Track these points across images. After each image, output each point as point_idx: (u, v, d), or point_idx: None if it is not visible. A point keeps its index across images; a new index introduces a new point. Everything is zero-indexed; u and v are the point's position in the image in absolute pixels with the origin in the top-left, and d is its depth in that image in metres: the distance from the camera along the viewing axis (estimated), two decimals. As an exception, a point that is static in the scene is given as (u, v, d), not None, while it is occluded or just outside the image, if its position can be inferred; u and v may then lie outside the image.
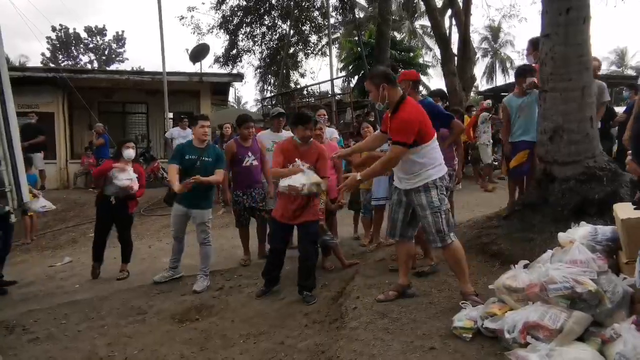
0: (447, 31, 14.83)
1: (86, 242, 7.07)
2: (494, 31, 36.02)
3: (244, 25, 18.60)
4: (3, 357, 3.06)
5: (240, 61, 19.74)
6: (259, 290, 4.19)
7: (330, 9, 17.30)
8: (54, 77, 11.24)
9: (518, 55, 36.72)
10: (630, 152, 2.93)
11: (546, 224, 3.65)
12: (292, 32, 18.08)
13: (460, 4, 12.75)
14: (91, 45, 38.63)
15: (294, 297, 4.00)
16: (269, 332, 3.47)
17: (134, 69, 24.56)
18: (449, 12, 14.61)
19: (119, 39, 39.07)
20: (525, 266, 2.72)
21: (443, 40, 13.12)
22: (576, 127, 3.74)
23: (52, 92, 11.63)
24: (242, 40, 19.16)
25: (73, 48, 38.02)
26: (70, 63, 35.67)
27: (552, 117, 3.82)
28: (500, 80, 37.44)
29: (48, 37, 35.65)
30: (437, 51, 19.43)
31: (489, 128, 8.73)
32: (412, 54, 20.32)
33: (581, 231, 2.73)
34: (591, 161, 3.72)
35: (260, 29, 19.01)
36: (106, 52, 38.85)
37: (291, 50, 19.33)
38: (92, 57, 38.44)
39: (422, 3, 17.30)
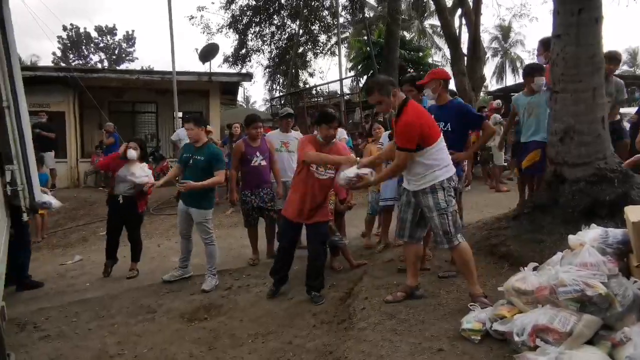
0: (457, 31, 14.71)
1: (96, 240, 7.15)
2: (505, 31, 35.73)
3: (254, 24, 18.66)
4: (15, 354, 3.10)
5: (250, 61, 19.84)
6: (269, 290, 4.19)
7: (340, 8, 17.30)
8: (65, 77, 11.37)
9: (528, 55, 36.35)
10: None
11: (556, 225, 3.62)
12: (301, 31, 18.11)
13: (471, 4, 12.65)
14: (101, 45, 38.94)
15: (303, 297, 4.01)
16: (277, 331, 3.48)
17: (144, 68, 24.75)
18: (459, 11, 14.50)
19: (129, 39, 39.36)
20: (535, 268, 2.70)
21: (453, 40, 13.04)
22: (587, 129, 3.70)
23: (63, 91, 11.78)
24: (251, 40, 19.25)
25: (84, 47, 38.35)
26: (80, 62, 36.03)
27: (563, 118, 3.79)
28: (510, 80, 37.16)
29: (59, 37, 36.05)
30: (447, 51, 19.35)
31: (501, 130, 8.67)
32: (421, 54, 20.22)
33: (591, 233, 2.71)
34: (602, 162, 3.68)
35: (269, 29, 19.07)
36: (116, 52, 39.15)
37: (300, 50, 19.36)
38: (103, 56, 38.78)
39: (431, 2, 17.22)
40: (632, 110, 7.09)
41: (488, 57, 33.04)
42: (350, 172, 3.38)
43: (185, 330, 3.69)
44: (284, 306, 3.94)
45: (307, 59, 20.80)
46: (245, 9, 18.15)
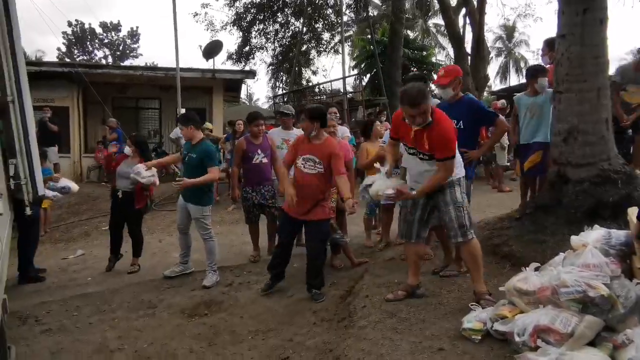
0: (461, 30, 14.67)
1: (98, 235, 7.18)
2: (509, 30, 35.54)
3: (257, 22, 18.69)
4: (16, 347, 3.12)
5: (253, 58, 19.87)
6: (265, 285, 4.19)
7: (344, 6, 17.26)
8: (70, 72, 11.40)
9: (533, 55, 36.17)
10: None
11: (559, 226, 3.61)
12: (305, 29, 18.09)
13: (475, 3, 12.62)
14: (106, 41, 39.00)
15: (303, 295, 4.01)
16: (278, 329, 3.48)
17: (148, 64, 24.76)
18: (463, 10, 14.45)
19: (134, 35, 39.40)
20: (537, 269, 2.69)
21: (457, 39, 13.02)
22: (591, 129, 3.69)
23: (68, 86, 11.81)
24: (255, 37, 19.27)
25: (88, 43, 38.43)
26: (85, 58, 36.09)
27: (567, 118, 3.77)
28: (514, 80, 36.97)
29: (64, 32, 36.16)
30: (451, 50, 19.33)
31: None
32: (425, 53, 20.20)
33: (594, 234, 2.70)
34: (606, 163, 3.66)
35: (273, 26, 19.09)
36: (120, 48, 39.20)
37: (304, 48, 19.35)
38: (107, 52, 38.83)
39: (435, 1, 17.17)
40: None
41: (492, 57, 32.92)
42: (384, 186, 3.13)
43: (186, 325, 3.70)
44: (284, 303, 3.94)
45: (311, 57, 20.79)
46: (249, 6, 18.18)
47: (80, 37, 37.79)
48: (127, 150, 5.14)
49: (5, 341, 2.70)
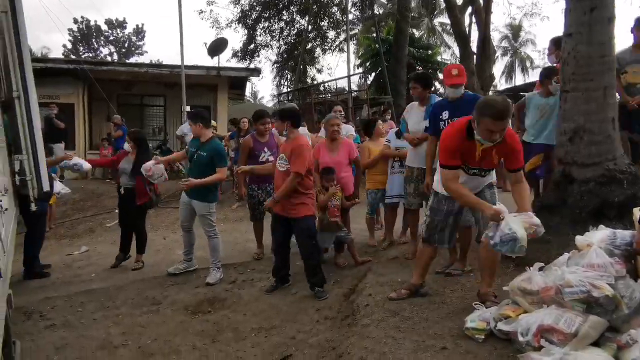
0: (467, 29, 14.61)
1: (103, 232, 7.21)
2: (515, 30, 35.35)
3: (263, 20, 18.69)
4: (20, 342, 3.14)
5: (258, 56, 19.90)
6: (270, 286, 4.24)
7: (349, 4, 17.24)
8: (75, 69, 11.46)
9: (539, 54, 35.98)
10: None
11: (564, 226, 3.58)
12: (310, 27, 18.08)
13: (481, 2, 12.54)
14: (111, 38, 39.15)
15: (306, 292, 4.02)
16: (281, 326, 3.49)
17: (153, 62, 24.84)
18: (469, 9, 14.39)
19: (139, 32, 39.51)
20: (541, 269, 2.68)
21: (462, 38, 12.95)
22: (597, 128, 3.66)
23: (73, 83, 11.86)
24: (260, 35, 19.29)
25: (94, 40, 38.59)
26: (90, 55, 36.23)
27: (573, 117, 3.75)
28: (519, 79, 36.79)
29: (70, 29, 36.33)
30: (456, 49, 19.22)
31: None
32: (430, 52, 20.10)
33: (599, 234, 2.68)
34: (611, 163, 3.63)
35: (278, 24, 19.09)
36: (126, 45, 39.34)
37: (309, 46, 19.35)
38: (112, 49, 38.97)
39: (441, 0, 17.10)
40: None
41: (498, 56, 32.79)
42: (524, 225, 2.64)
43: (189, 322, 3.72)
44: (288, 301, 3.95)
45: (316, 55, 20.79)
46: (254, 4, 18.18)
47: (85, 34, 37.95)
48: (127, 146, 5.18)
49: (10, 336, 2.71)
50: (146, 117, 14.28)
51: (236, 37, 73.54)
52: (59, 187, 5.99)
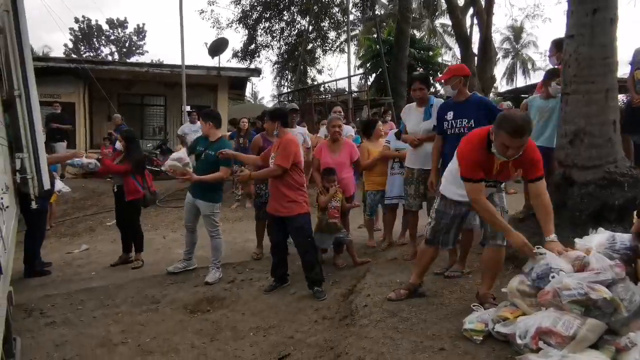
0: (468, 30, 14.62)
1: (103, 230, 7.22)
2: (516, 31, 35.32)
3: (263, 20, 18.69)
4: (21, 338, 3.15)
5: (259, 56, 19.90)
6: (268, 285, 4.26)
7: (350, 5, 17.24)
8: (76, 68, 11.46)
9: (540, 56, 35.97)
10: None
11: (563, 228, 3.58)
12: (310, 28, 18.09)
13: (483, 3, 12.56)
14: (112, 37, 39.18)
15: (305, 292, 4.02)
16: (279, 326, 3.50)
17: (154, 61, 24.86)
18: (471, 10, 14.40)
19: (140, 32, 39.54)
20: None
21: (464, 40, 12.97)
22: (598, 131, 3.66)
23: (74, 82, 11.87)
24: (260, 35, 19.29)
25: (95, 40, 38.62)
26: (91, 54, 36.27)
27: (574, 119, 3.74)
28: (520, 81, 36.75)
29: (71, 29, 36.36)
30: (457, 50, 19.24)
31: None
32: (431, 53, 20.15)
33: (598, 238, 2.67)
34: (612, 166, 3.63)
35: (279, 24, 19.10)
36: (127, 45, 39.36)
37: (309, 46, 19.36)
38: (113, 49, 39.01)
39: (443, 1, 17.11)
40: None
41: (499, 58, 32.77)
42: (567, 262, 2.52)
43: (188, 321, 3.72)
44: (286, 301, 3.96)
45: (316, 56, 20.79)
46: (255, 4, 18.19)
47: (86, 33, 37.98)
48: (119, 145, 5.21)
49: (10, 333, 2.72)
50: (146, 117, 14.28)
51: (237, 37, 73.66)
52: (59, 185, 6.01)
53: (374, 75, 19.37)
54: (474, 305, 2.87)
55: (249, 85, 21.06)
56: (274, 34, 19.25)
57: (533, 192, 2.81)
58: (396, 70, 15.17)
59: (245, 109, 15.98)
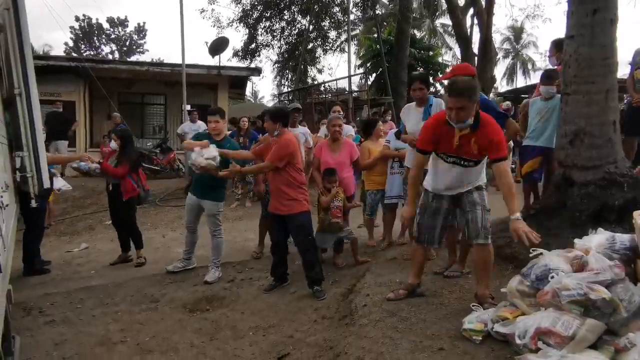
0: (469, 30, 14.62)
1: (102, 229, 7.21)
2: (517, 32, 35.31)
3: (264, 19, 18.69)
4: (20, 337, 3.14)
5: (259, 55, 19.88)
6: (268, 285, 4.25)
7: (351, 5, 17.24)
8: (76, 67, 11.45)
9: (540, 57, 35.95)
10: None
11: (563, 228, 3.59)
12: (311, 27, 18.08)
13: (483, 3, 12.55)
14: (113, 36, 39.14)
15: (305, 292, 4.02)
16: (279, 325, 3.50)
17: (154, 60, 24.83)
18: (471, 10, 14.39)
19: (140, 31, 39.50)
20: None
21: (464, 40, 12.98)
22: (598, 131, 3.66)
23: (74, 81, 11.87)
24: (261, 35, 19.28)
25: (95, 38, 38.59)
26: (92, 53, 36.23)
27: (574, 120, 3.75)
28: (520, 82, 36.75)
29: (71, 27, 36.33)
30: (457, 50, 19.25)
31: None
32: (431, 53, 20.15)
33: (598, 239, 2.68)
34: (612, 167, 3.64)
35: (279, 24, 19.09)
36: (127, 43, 39.33)
37: (310, 46, 19.35)
38: (114, 47, 38.97)
39: (443, 1, 17.10)
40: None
41: (499, 58, 32.77)
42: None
43: (188, 320, 3.72)
44: (286, 300, 3.96)
45: (317, 55, 20.77)
46: (255, 3, 18.18)
47: (87, 32, 37.95)
48: (114, 144, 5.20)
49: (9, 331, 2.72)
50: (147, 116, 14.28)
51: (237, 37, 73.43)
52: (60, 183, 5.98)
53: (374, 75, 19.36)
54: (473, 305, 2.87)
55: (249, 84, 21.08)
56: (275, 33, 19.25)
57: (496, 172, 2.90)
58: (396, 70, 15.17)
59: (246, 108, 15.95)
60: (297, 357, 2.97)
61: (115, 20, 38.68)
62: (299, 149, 4.38)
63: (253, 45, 19.43)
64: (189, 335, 3.44)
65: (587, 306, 2.27)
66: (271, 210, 4.18)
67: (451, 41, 24.99)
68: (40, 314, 3.86)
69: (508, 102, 9.80)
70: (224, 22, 18.83)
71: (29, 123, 3.56)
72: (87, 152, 12.20)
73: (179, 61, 11.42)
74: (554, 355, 2.13)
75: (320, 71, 21.86)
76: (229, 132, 10.06)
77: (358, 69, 21.80)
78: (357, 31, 23.02)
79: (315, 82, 19.76)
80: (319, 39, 19.61)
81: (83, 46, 37.74)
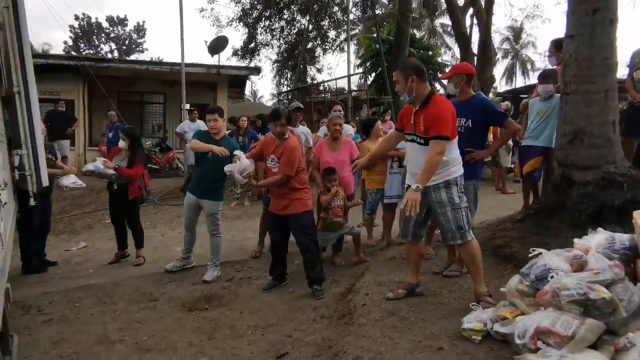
0: (468, 30, 14.62)
1: (101, 228, 7.21)
2: (516, 32, 35.34)
3: (263, 18, 18.68)
4: (18, 336, 3.14)
5: (258, 55, 19.90)
6: (267, 284, 4.24)
7: (350, 4, 17.24)
8: (76, 65, 11.43)
9: (540, 57, 36.01)
10: None
11: (562, 228, 3.58)
12: (310, 27, 18.08)
13: (482, 3, 12.54)
14: (112, 35, 39.09)
15: (304, 291, 4.02)
16: (277, 324, 3.49)
17: (153, 59, 24.82)
18: (470, 10, 14.39)
19: (140, 30, 39.46)
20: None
21: (463, 40, 12.96)
22: (598, 131, 3.66)
23: (74, 80, 11.85)
24: (260, 34, 19.29)
25: (95, 37, 38.53)
26: (91, 52, 36.18)
27: (574, 120, 3.74)
28: (520, 82, 36.79)
29: (71, 26, 36.28)
30: (457, 50, 19.25)
31: None
32: (431, 53, 20.13)
33: (597, 238, 2.67)
34: (612, 167, 3.63)
35: (279, 23, 19.09)
36: (126, 42, 39.28)
37: (309, 45, 19.36)
38: (113, 46, 38.92)
39: (443, 1, 17.11)
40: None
41: (498, 58, 32.78)
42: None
43: (186, 319, 3.71)
44: (285, 299, 3.95)
45: (316, 55, 20.79)
46: (255, 2, 18.18)
47: (86, 31, 37.89)
48: (122, 143, 5.16)
49: (7, 329, 2.71)
50: (146, 115, 14.25)
51: (237, 36, 73.47)
52: (69, 180, 5.94)
53: (373, 74, 19.33)
54: (472, 305, 2.87)
55: (248, 83, 21.07)
56: (274, 33, 19.26)
57: (429, 149, 2.99)
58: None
59: (245, 108, 15.97)
60: (296, 357, 2.96)
61: (115, 19, 38.64)
62: (300, 148, 4.38)
63: (252, 45, 19.45)
64: (188, 334, 3.44)
65: (586, 306, 2.26)
66: (272, 210, 4.17)
67: (450, 41, 25.03)
68: (39, 313, 3.85)
69: (507, 102, 9.80)
70: (223, 21, 18.88)
71: (28, 121, 3.56)
72: (86, 151, 12.22)
73: (179, 60, 11.40)
74: (553, 355, 2.13)
75: (319, 70, 21.90)
76: (228, 131, 10.08)
77: (357, 68, 21.80)
78: (357, 31, 23.01)
79: (315, 82, 19.77)
80: (319, 39, 19.63)
81: (82, 45, 37.69)
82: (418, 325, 2.84)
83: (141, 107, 14.14)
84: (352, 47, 21.32)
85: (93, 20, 37.81)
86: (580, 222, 3.46)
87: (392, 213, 5.01)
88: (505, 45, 38.19)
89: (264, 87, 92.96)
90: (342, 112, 6.44)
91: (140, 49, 39.52)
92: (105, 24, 38.29)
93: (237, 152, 4.33)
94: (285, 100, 15.16)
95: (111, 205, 5.37)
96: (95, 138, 12.83)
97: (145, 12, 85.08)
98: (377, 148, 3.77)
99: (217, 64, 13.69)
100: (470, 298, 3.13)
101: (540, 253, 2.68)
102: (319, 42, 19.87)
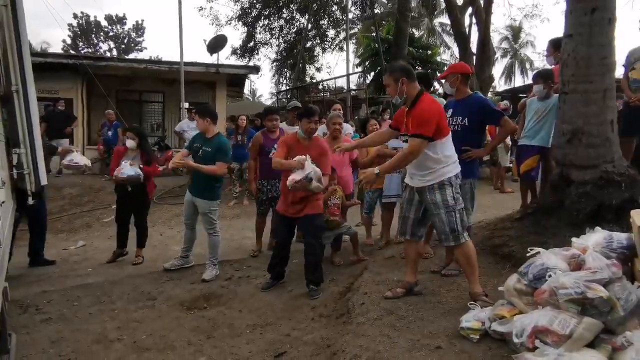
0: (467, 29, 14.61)
1: (100, 227, 7.20)
2: (515, 31, 35.38)
3: (262, 17, 18.67)
4: (16, 334, 3.13)
5: (257, 54, 19.90)
6: (265, 283, 4.23)
7: (349, 3, 17.24)
8: (74, 64, 11.41)
9: (538, 56, 36.07)
10: None
11: (560, 228, 3.59)
12: (310, 26, 18.07)
13: (481, 2, 12.54)
14: (111, 34, 39.00)
15: (302, 290, 4.02)
16: (276, 323, 3.49)
17: (152, 58, 24.79)
18: (469, 10, 14.39)
19: (139, 28, 39.37)
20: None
21: (462, 39, 12.95)
22: (596, 131, 3.66)
23: (72, 78, 11.82)
24: (259, 33, 19.29)
25: (93, 36, 38.44)
26: (90, 51, 36.10)
27: (572, 119, 3.75)
28: (519, 81, 36.86)
29: (69, 25, 36.18)
30: (456, 49, 19.24)
31: None
32: (429, 52, 20.12)
33: (595, 237, 2.68)
34: (610, 166, 3.64)
35: (278, 22, 19.09)
36: (125, 41, 39.19)
37: (308, 44, 19.36)
38: (112, 45, 38.84)
39: (442, 0, 17.10)
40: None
41: (497, 58, 32.84)
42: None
43: (185, 318, 3.71)
44: (284, 298, 3.95)
45: (315, 54, 20.80)
46: (254, 1, 18.16)
47: (85, 29, 37.81)
48: (131, 143, 5.13)
49: (6, 328, 2.72)
50: (145, 113, 14.24)
51: (236, 35, 73.38)
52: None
53: (372, 73, 19.33)
54: (470, 304, 2.87)
55: (247, 82, 21.05)
56: (273, 32, 19.26)
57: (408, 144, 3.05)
58: (395, 69, 15.13)
59: (244, 107, 15.94)
60: (294, 356, 2.97)
61: (114, 17, 38.55)
62: None
63: (251, 44, 19.44)
64: (186, 333, 3.44)
65: (584, 305, 2.27)
66: (282, 212, 4.11)
67: (449, 40, 25.07)
68: (37, 312, 3.85)
69: (506, 102, 9.81)
70: (222, 20, 18.88)
71: (26, 120, 3.55)
72: (84, 150, 12.19)
73: (177, 59, 11.42)
74: (551, 354, 2.13)
75: (318, 69, 21.90)
76: (227, 130, 10.08)
77: (356, 67, 21.81)
78: (356, 30, 23.00)
79: (314, 81, 19.77)
80: (318, 38, 19.64)
81: (81, 43, 37.59)
82: (416, 324, 2.85)
83: (140, 106, 14.12)
84: (351, 46, 21.34)
85: (92, 18, 37.73)
86: (578, 221, 3.47)
87: (390, 212, 5.01)
88: (504, 45, 38.27)
89: (263, 86, 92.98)
90: (342, 111, 6.44)
91: (139, 47, 39.45)
92: (104, 23, 38.22)
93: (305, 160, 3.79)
94: (284, 99, 15.14)
95: (121, 206, 5.28)
96: (94, 137, 12.81)
97: (144, 10, 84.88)
98: (369, 139, 3.85)
99: (216, 62, 13.69)
100: (468, 297, 3.14)
101: (538, 252, 2.69)
102: (318, 41, 19.89)
